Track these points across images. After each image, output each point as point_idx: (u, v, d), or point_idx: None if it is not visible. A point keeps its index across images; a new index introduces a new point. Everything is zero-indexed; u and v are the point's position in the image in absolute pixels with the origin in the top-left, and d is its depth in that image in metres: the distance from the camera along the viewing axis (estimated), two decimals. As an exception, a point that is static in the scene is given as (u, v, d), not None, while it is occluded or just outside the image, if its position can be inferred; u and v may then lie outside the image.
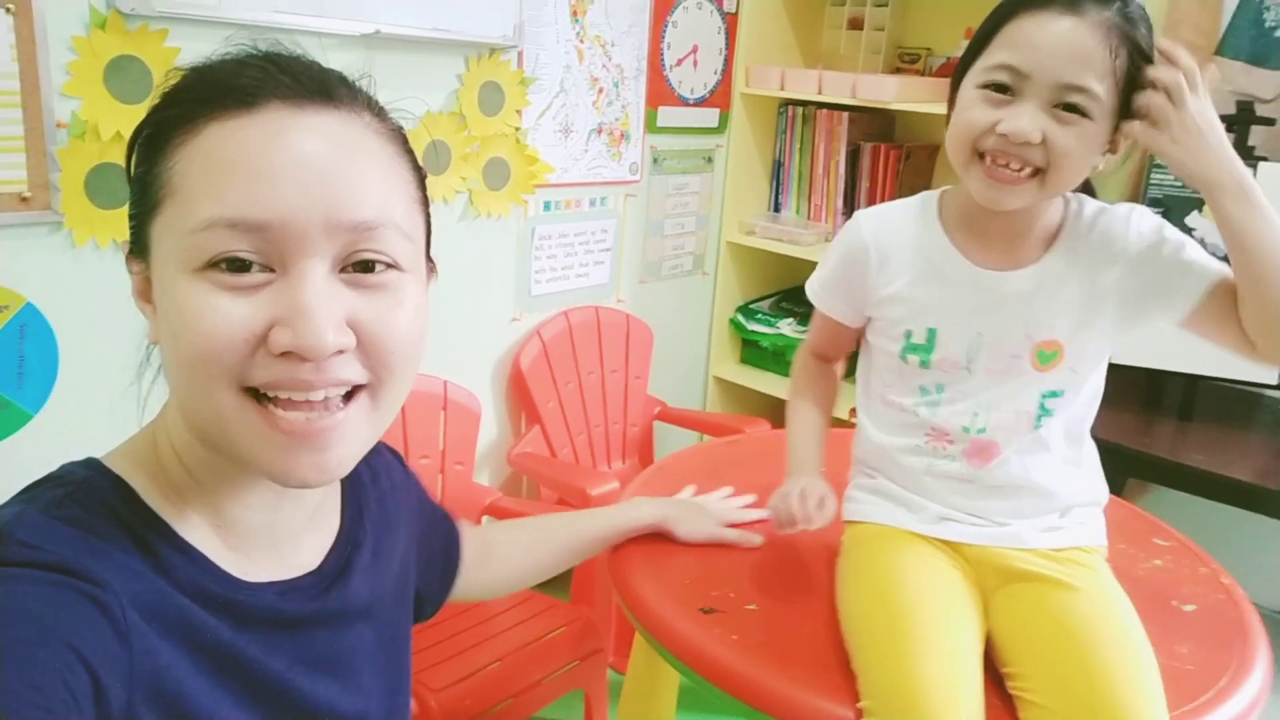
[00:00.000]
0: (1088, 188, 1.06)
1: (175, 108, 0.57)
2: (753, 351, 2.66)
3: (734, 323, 2.63)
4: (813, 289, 1.16)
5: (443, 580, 0.93)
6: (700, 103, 2.40)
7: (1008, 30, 0.92)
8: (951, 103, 1.00)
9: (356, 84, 0.61)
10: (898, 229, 1.06)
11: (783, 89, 2.37)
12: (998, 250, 1.02)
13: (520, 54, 1.94)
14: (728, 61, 2.42)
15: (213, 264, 0.54)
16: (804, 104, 2.48)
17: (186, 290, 0.54)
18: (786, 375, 2.54)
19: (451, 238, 1.95)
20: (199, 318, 0.54)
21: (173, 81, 0.59)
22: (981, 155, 0.94)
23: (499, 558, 1.02)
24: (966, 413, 1.03)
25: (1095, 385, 1.06)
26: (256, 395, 0.56)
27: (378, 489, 0.79)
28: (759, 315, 2.60)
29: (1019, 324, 1.01)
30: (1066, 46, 0.88)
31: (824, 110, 2.44)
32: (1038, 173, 0.92)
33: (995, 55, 0.92)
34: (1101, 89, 0.89)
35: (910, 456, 1.07)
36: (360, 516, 0.75)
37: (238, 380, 0.55)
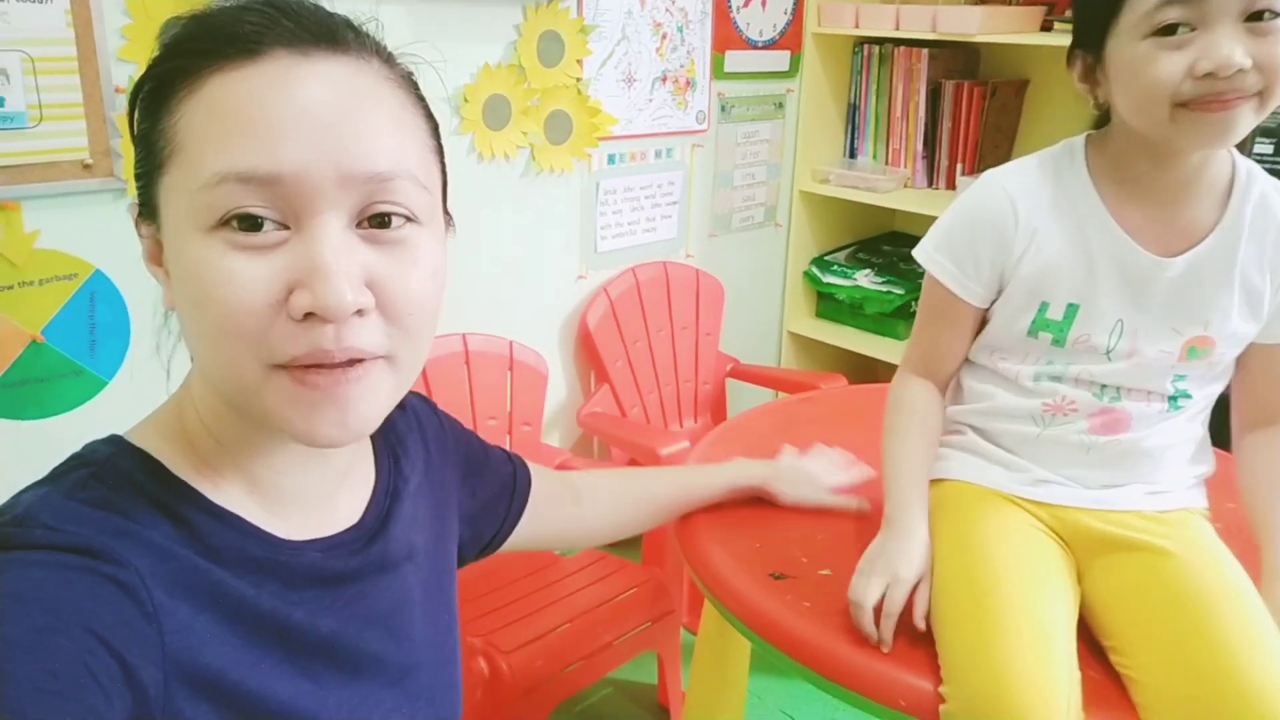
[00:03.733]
0: None
1: (175, 60, 0.54)
2: (828, 305, 2.57)
3: (808, 275, 2.54)
4: (930, 257, 0.98)
5: (503, 521, 0.90)
6: (769, 45, 2.30)
7: None
8: (1090, 73, 0.88)
9: (364, 29, 0.58)
10: (1040, 185, 0.93)
11: (857, 26, 2.25)
12: (1156, 215, 0.90)
13: (579, 1, 1.88)
14: (798, 0, 2.31)
15: (225, 222, 0.52)
16: (880, 41, 2.35)
17: (201, 252, 0.52)
18: (864, 329, 2.51)
19: (514, 195, 1.91)
20: (217, 285, 0.52)
21: (171, 31, 0.56)
22: (1184, 105, 0.82)
23: (588, 503, 1.00)
24: (1094, 386, 0.94)
25: (1232, 363, 0.97)
26: (282, 368, 0.54)
27: (412, 438, 0.78)
28: (835, 267, 2.50)
29: (1168, 319, 0.91)
30: None
31: (901, 48, 2.32)
32: (1255, 94, 0.81)
33: None
34: None
35: (1019, 423, 0.98)
36: (397, 466, 0.74)
37: (264, 357, 0.53)
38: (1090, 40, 0.87)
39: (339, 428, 0.55)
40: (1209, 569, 0.88)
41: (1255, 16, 0.78)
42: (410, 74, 0.60)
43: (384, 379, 0.57)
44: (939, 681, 0.84)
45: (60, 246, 1.37)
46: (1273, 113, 1.96)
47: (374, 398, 0.56)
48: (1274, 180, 0.92)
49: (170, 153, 0.54)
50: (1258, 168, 0.92)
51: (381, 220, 0.55)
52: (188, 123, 0.53)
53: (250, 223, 0.52)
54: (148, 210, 0.57)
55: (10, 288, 1.33)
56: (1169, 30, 0.80)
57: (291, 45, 0.53)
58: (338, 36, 0.55)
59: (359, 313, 0.53)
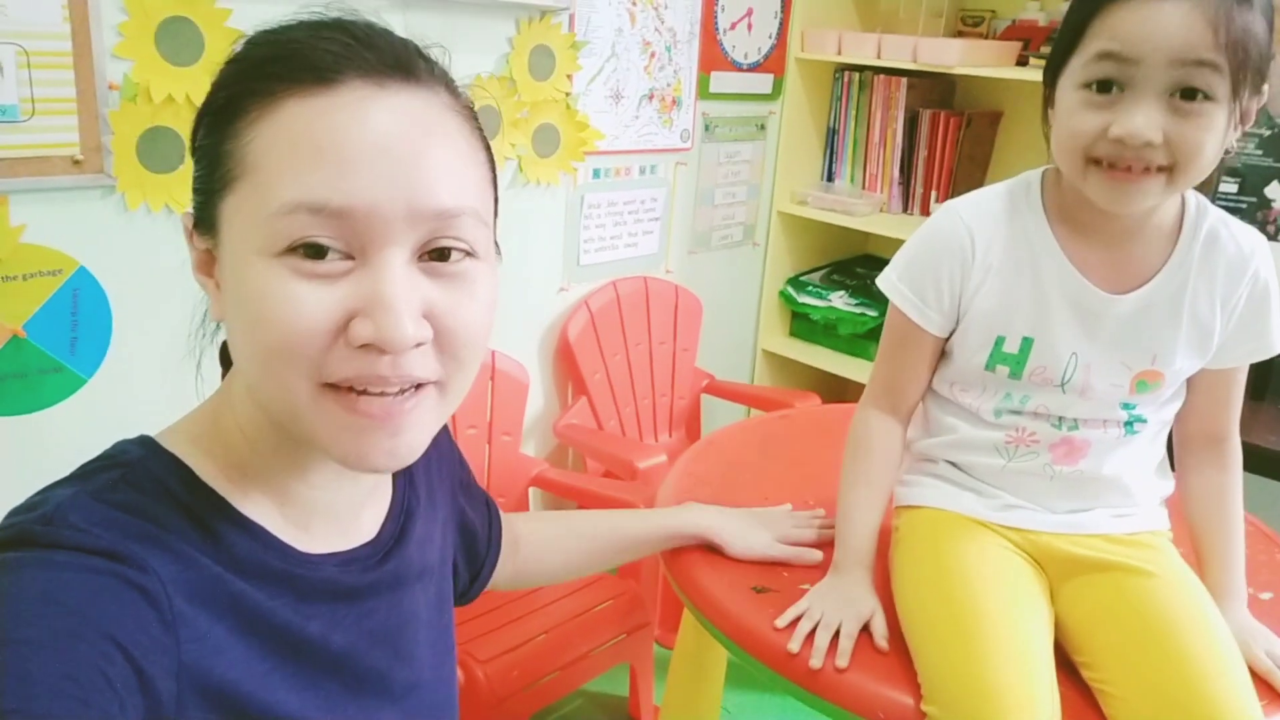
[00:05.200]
0: None
1: (250, 81, 0.54)
2: (803, 324, 2.61)
3: (784, 295, 2.58)
4: (893, 286, 0.99)
5: (483, 565, 0.90)
6: (754, 68, 2.34)
7: (1105, 14, 0.80)
8: (1049, 103, 0.90)
9: (432, 57, 0.59)
10: (997, 219, 0.94)
11: (840, 53, 2.30)
12: (1106, 254, 0.92)
13: (572, 16, 1.90)
14: (783, 25, 2.36)
15: (291, 249, 0.52)
16: (861, 69, 2.40)
17: (265, 276, 0.52)
18: (836, 349, 2.54)
19: (500, 206, 1.91)
20: (279, 307, 0.52)
21: (241, 50, 0.57)
22: (1098, 161, 0.84)
23: (526, 550, 0.98)
24: (1053, 417, 0.97)
25: (1184, 386, 1.00)
26: (333, 387, 0.55)
27: (425, 457, 0.78)
28: (810, 288, 2.54)
29: (1119, 354, 0.94)
30: (1178, 16, 0.77)
31: (881, 76, 2.37)
32: (1164, 169, 0.82)
33: (1093, 45, 0.81)
34: (1221, 60, 0.77)
35: (985, 455, 1.00)
36: (412, 482, 0.74)
37: (316, 376, 0.53)
38: (1051, 77, 0.89)
39: (389, 456, 0.56)
40: (1176, 590, 0.92)
41: (1188, 95, 0.78)
42: (471, 103, 0.60)
43: (432, 407, 0.57)
44: (918, 696, 0.87)
45: (46, 241, 1.35)
46: (1237, 152, 2.02)
47: (423, 426, 0.57)
48: (1222, 214, 0.94)
49: (239, 174, 0.54)
50: (1206, 202, 0.94)
51: (441, 254, 0.55)
52: (260, 146, 0.53)
53: (315, 251, 0.52)
54: (206, 225, 0.57)
55: (-7, 281, 1.32)
56: (1103, 87, 0.81)
57: (368, 75, 0.54)
58: (411, 67, 0.56)
59: (417, 345, 0.54)
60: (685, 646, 1.27)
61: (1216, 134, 0.80)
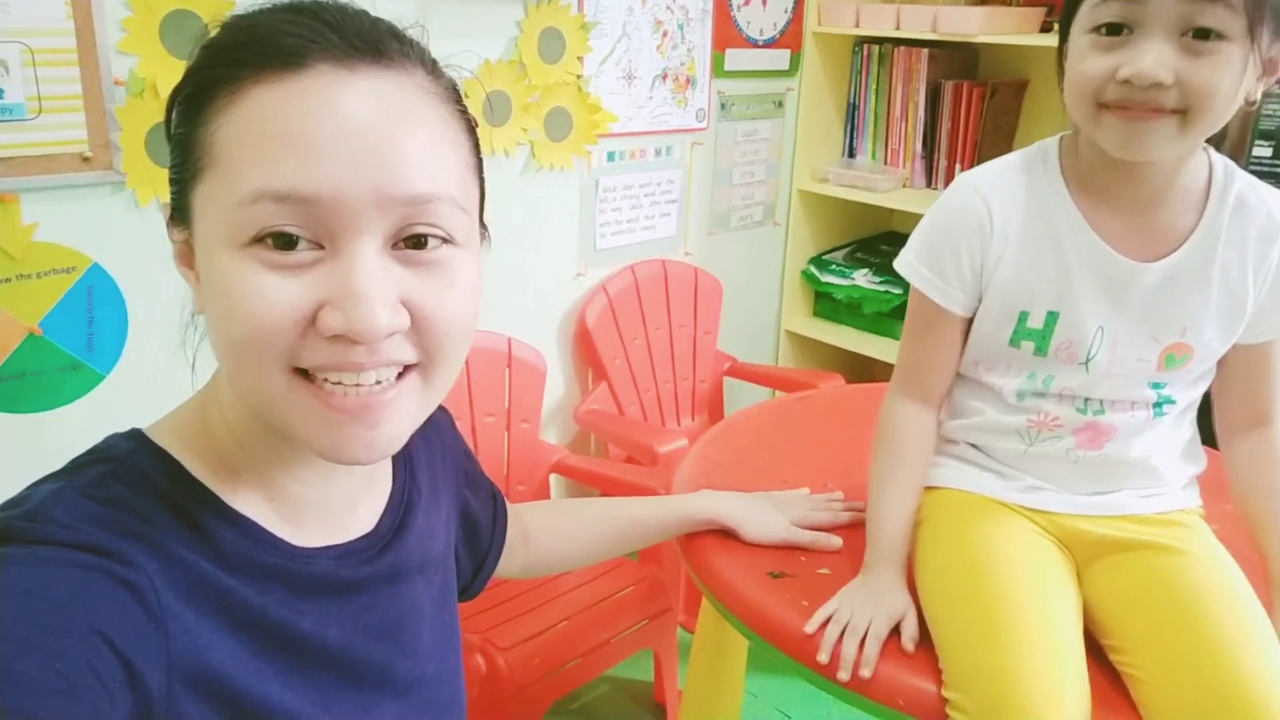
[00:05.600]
0: None
1: (216, 67, 0.53)
2: (826, 304, 2.57)
3: (806, 275, 2.54)
4: (911, 268, 0.95)
5: (486, 558, 0.89)
6: (770, 44, 2.30)
7: None
8: (1062, 57, 0.87)
9: (408, 37, 0.57)
10: (1014, 189, 0.91)
11: (858, 26, 2.25)
12: (1131, 220, 0.88)
13: (580, -3, 1.88)
14: (799, -1, 2.31)
15: (259, 239, 0.51)
16: (880, 41, 2.35)
17: (232, 268, 0.51)
18: (861, 328, 2.50)
19: (513, 192, 1.91)
20: (246, 300, 0.51)
21: (212, 36, 0.56)
22: (1108, 107, 0.81)
23: (536, 542, 0.96)
24: (1078, 400, 0.94)
25: (1212, 364, 0.96)
26: (307, 375, 0.54)
27: (429, 448, 0.77)
28: (833, 266, 2.50)
29: (1146, 326, 0.90)
30: None
31: (901, 48, 2.31)
32: (1177, 112, 0.79)
33: None
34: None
35: (1007, 439, 0.97)
36: (414, 475, 0.73)
37: (288, 362, 0.52)
38: (1064, 28, 0.86)
39: (368, 448, 0.55)
40: (1207, 568, 0.88)
41: (1200, 34, 0.76)
42: (454, 84, 0.59)
43: (413, 395, 0.56)
44: (938, 682, 0.84)
45: (58, 239, 1.36)
46: (1271, 115, 1.95)
47: (403, 416, 0.56)
48: (1251, 179, 0.90)
49: (207, 162, 0.53)
50: (1234, 166, 0.90)
51: (417, 241, 0.54)
52: (226, 134, 0.52)
53: (284, 240, 0.51)
54: (181, 215, 0.56)
55: (8, 280, 1.33)
56: (1113, 30, 0.79)
57: (335, 59, 0.52)
58: (382, 48, 0.54)
59: (392, 334, 0.53)
60: (706, 631, 1.25)
61: (1232, 75, 0.77)
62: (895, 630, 0.90)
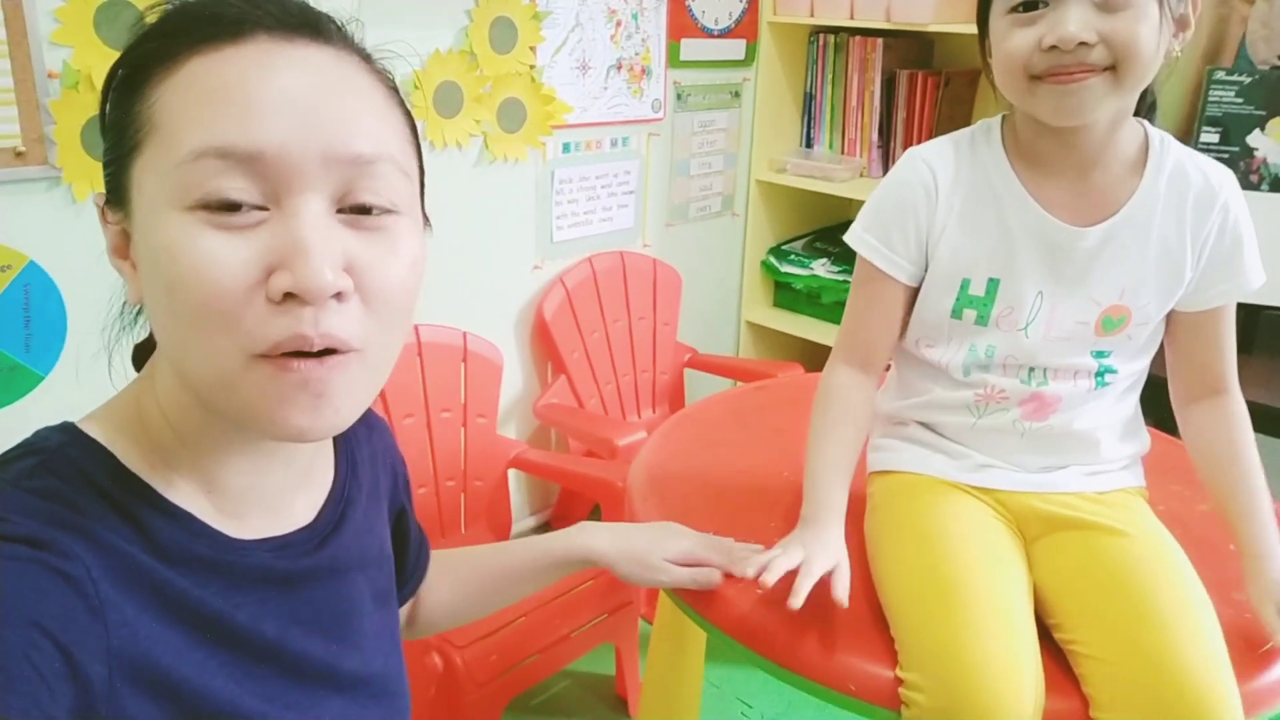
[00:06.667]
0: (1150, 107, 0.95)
1: (152, 42, 0.53)
2: (786, 294, 2.57)
3: (766, 265, 2.54)
4: (859, 238, 0.97)
5: (403, 588, 0.84)
6: (725, 33, 2.29)
7: None
8: (984, 49, 0.90)
9: (345, 26, 0.58)
10: (958, 161, 0.95)
11: (813, 15, 2.25)
12: (1069, 188, 0.91)
13: (532, -13, 1.86)
14: (753, -12, 2.31)
15: (204, 204, 0.50)
16: (835, 31, 2.36)
17: (176, 230, 0.50)
18: (821, 318, 2.51)
19: (467, 184, 1.89)
20: (193, 266, 0.50)
21: (149, 19, 0.55)
22: (1039, 78, 0.84)
23: (427, 590, 0.90)
24: (1021, 371, 0.95)
25: (1156, 335, 0.98)
26: (264, 358, 0.53)
27: (371, 448, 0.77)
28: (792, 256, 2.51)
29: (1085, 289, 0.92)
30: None
31: (857, 37, 2.32)
32: (1108, 69, 0.82)
33: None
34: None
35: (955, 414, 0.98)
36: (355, 473, 0.72)
37: (245, 346, 0.51)
38: (982, 21, 0.89)
39: (314, 417, 0.54)
40: (1149, 549, 0.90)
41: None
42: (388, 73, 0.59)
43: (358, 373, 0.55)
44: (891, 666, 0.85)
45: (-8, 237, 1.32)
46: (1218, 101, 1.98)
47: (350, 391, 0.55)
48: (1189, 150, 0.93)
49: (146, 133, 0.52)
50: (1171, 138, 0.93)
51: (363, 208, 0.54)
52: (165, 102, 0.51)
53: (228, 206, 0.50)
54: (117, 197, 0.55)
55: (-61, 280, 1.29)
56: (1029, 6, 0.83)
57: (274, 30, 0.53)
58: (319, 26, 0.55)
59: (338, 296, 0.52)
60: (664, 622, 1.25)
61: (1150, 26, 0.81)
62: (845, 629, 0.89)
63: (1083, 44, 0.80)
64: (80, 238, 1.39)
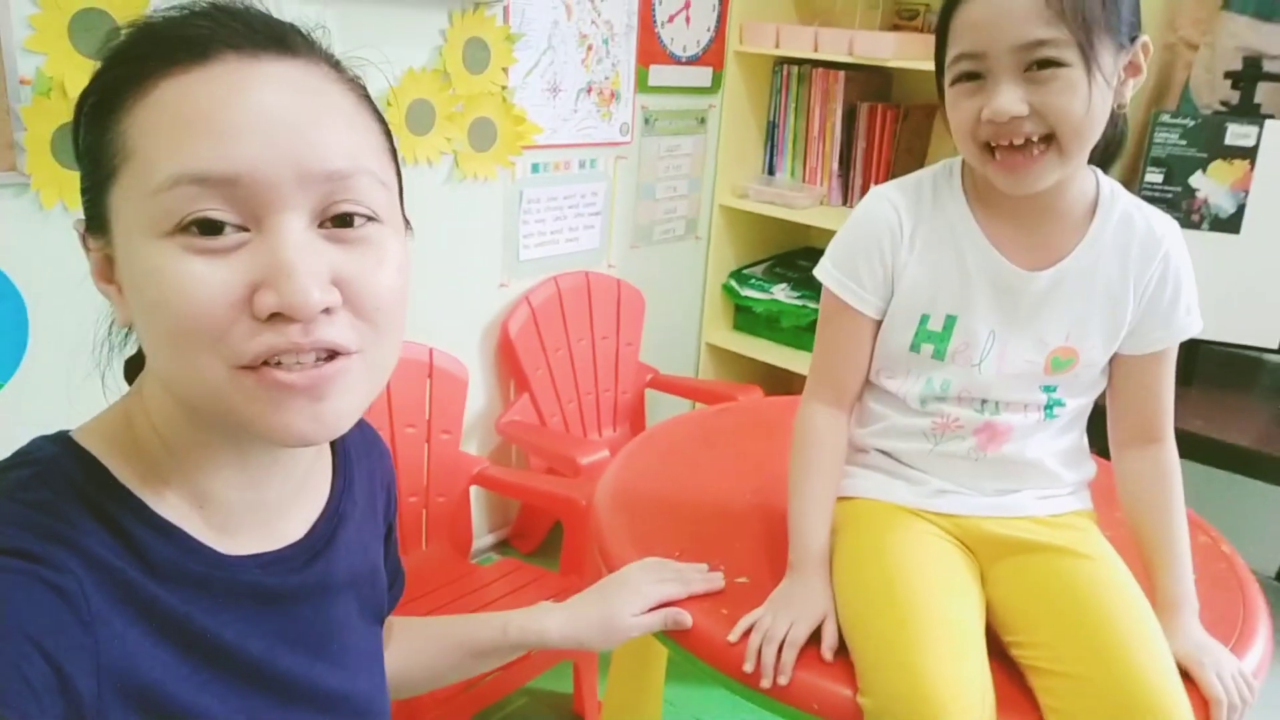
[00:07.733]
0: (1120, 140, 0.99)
1: (120, 68, 0.53)
2: (746, 317, 2.62)
3: (727, 288, 2.59)
4: (828, 273, 1.01)
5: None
6: (693, 61, 2.34)
7: (953, 21, 0.88)
8: (944, 100, 0.95)
9: (311, 35, 0.58)
10: (921, 200, 0.99)
11: (778, 46, 2.31)
12: (1022, 232, 0.95)
13: (506, 8, 1.88)
14: (721, 18, 2.36)
15: (183, 227, 0.50)
16: (799, 62, 2.42)
17: (158, 256, 0.51)
18: (780, 342, 2.56)
19: (436, 201, 1.90)
20: (176, 288, 0.50)
21: (115, 42, 0.55)
22: (990, 148, 0.88)
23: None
24: (975, 402, 0.99)
25: (1103, 374, 1.02)
26: (248, 368, 0.53)
27: (369, 462, 0.77)
28: (752, 280, 2.55)
29: (1034, 330, 0.96)
30: (1003, 11, 0.83)
31: (820, 69, 2.38)
32: (1048, 140, 0.86)
33: (952, 49, 0.88)
34: (1062, 31, 0.82)
35: (913, 441, 1.02)
36: (351, 488, 0.72)
37: (228, 359, 0.52)
38: (941, 86, 0.93)
39: (313, 422, 0.54)
40: (1104, 570, 0.94)
41: (1042, 65, 0.83)
42: (358, 78, 0.59)
43: (358, 376, 0.56)
44: (854, 687, 0.87)
45: (-45, 242, 1.30)
46: (1162, 143, 2.06)
47: (348, 393, 0.55)
48: (1136, 199, 0.98)
49: (121, 160, 0.52)
50: (1121, 188, 0.98)
51: (344, 219, 0.54)
52: (139, 128, 0.52)
53: (210, 227, 0.50)
54: (97, 223, 0.55)
55: (-102, 284, 1.27)
56: (972, 77, 0.87)
57: (240, 49, 0.53)
58: (286, 40, 0.55)
59: (327, 311, 0.52)
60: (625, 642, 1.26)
61: (1079, 95, 0.84)
62: (816, 637, 0.93)
63: (1015, 117, 0.84)
64: (47, 246, 1.37)
